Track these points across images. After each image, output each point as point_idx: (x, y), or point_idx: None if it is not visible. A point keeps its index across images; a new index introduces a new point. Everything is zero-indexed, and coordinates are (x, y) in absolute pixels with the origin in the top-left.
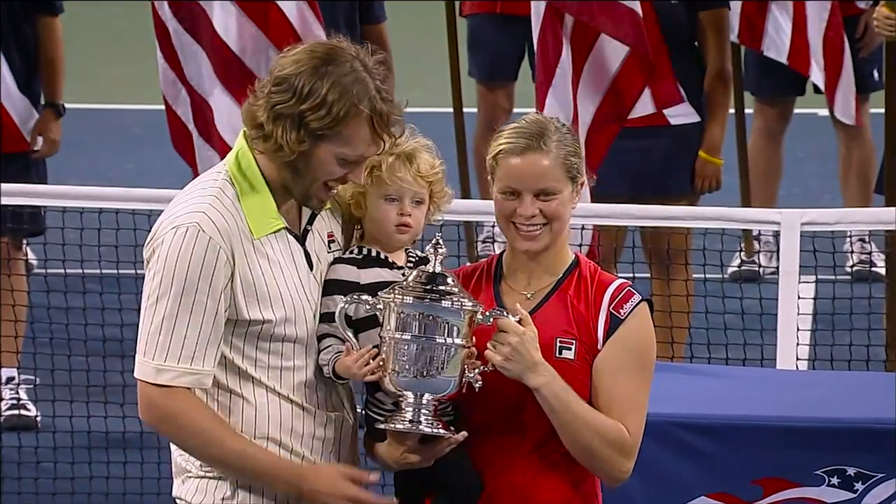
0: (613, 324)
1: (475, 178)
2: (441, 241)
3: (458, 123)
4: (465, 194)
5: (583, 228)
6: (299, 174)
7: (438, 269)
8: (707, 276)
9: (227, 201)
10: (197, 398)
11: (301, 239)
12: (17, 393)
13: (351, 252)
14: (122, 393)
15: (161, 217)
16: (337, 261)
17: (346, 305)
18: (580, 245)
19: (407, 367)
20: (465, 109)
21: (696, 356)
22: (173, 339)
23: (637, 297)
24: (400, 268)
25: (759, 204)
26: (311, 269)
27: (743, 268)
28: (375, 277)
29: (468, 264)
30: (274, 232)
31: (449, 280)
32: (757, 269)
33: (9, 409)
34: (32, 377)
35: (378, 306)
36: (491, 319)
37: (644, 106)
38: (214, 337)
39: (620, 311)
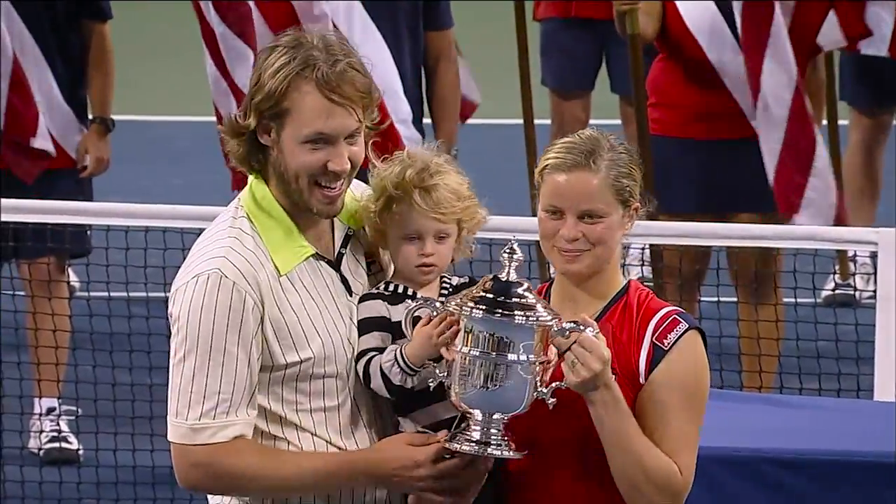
0: (657, 356)
1: None
2: (515, 247)
3: (528, 135)
4: (537, 212)
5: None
6: (283, 178)
7: (513, 277)
8: (798, 300)
9: (248, 240)
10: (241, 442)
11: (336, 264)
12: (58, 424)
13: (377, 289)
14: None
15: (180, 271)
16: (366, 297)
17: (415, 308)
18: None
19: (475, 383)
20: (536, 121)
21: (787, 386)
22: (206, 395)
23: (683, 326)
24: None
25: (854, 223)
26: (350, 295)
27: (837, 291)
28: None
29: None
30: (303, 261)
31: (522, 290)
32: (853, 292)
33: (49, 441)
34: (74, 408)
35: (446, 311)
36: (567, 334)
37: (833, 38)
38: (249, 386)
39: (664, 341)
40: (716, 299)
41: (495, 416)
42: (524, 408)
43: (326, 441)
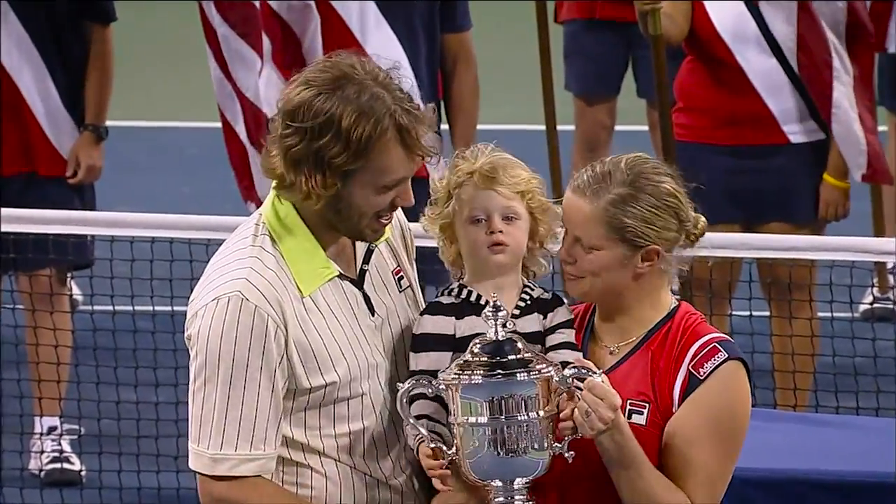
0: (692, 384)
1: None
2: (500, 303)
3: (551, 143)
4: None
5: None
6: (342, 215)
7: (501, 335)
8: (834, 314)
9: (270, 260)
10: (264, 481)
11: (358, 282)
12: (60, 444)
13: (450, 292)
14: (175, 445)
15: (197, 288)
16: (431, 308)
17: (410, 389)
18: None
19: (488, 453)
20: (559, 127)
21: (823, 405)
22: (227, 423)
23: (723, 355)
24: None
25: (893, 233)
26: (373, 315)
27: (875, 305)
28: (472, 329)
29: None
30: (326, 282)
31: (518, 345)
32: (892, 306)
33: (50, 462)
34: (77, 427)
35: (440, 388)
36: (570, 381)
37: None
38: (274, 416)
39: (700, 370)
40: (748, 313)
41: (516, 483)
42: (543, 468)
43: (351, 467)
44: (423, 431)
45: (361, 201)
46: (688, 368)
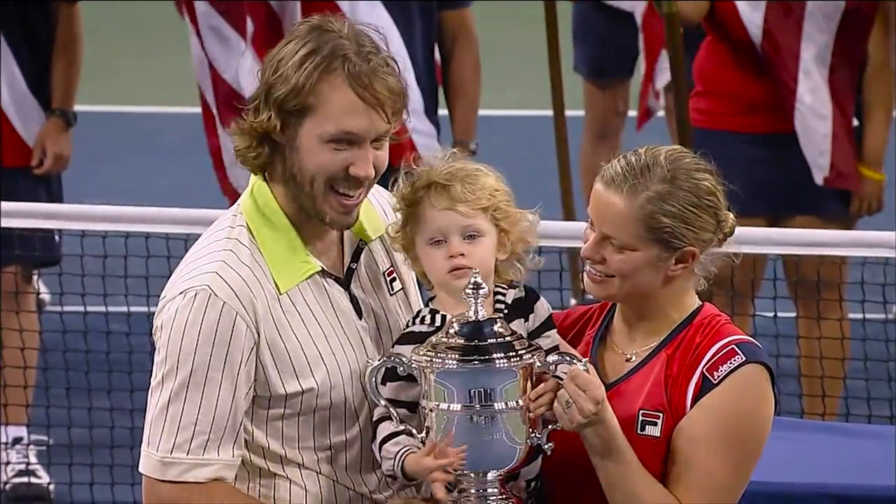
0: (704, 388)
1: (581, 195)
2: (479, 279)
3: (559, 128)
4: (569, 215)
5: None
6: (295, 181)
7: (482, 314)
8: (866, 315)
9: (245, 253)
10: (218, 485)
11: (345, 282)
12: (26, 456)
13: (422, 320)
14: None
15: (168, 282)
16: (403, 339)
17: (378, 366)
18: None
19: (459, 441)
20: (568, 112)
21: (854, 413)
22: (181, 425)
23: (740, 358)
24: None
25: None
26: (360, 318)
27: None
28: None
29: (580, 306)
30: (306, 278)
31: (496, 327)
32: None
33: (16, 475)
34: (45, 437)
35: (412, 366)
36: (552, 367)
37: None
38: (233, 421)
39: (714, 373)
40: (772, 314)
41: (490, 475)
42: (518, 460)
43: (333, 480)
44: (395, 414)
45: (308, 157)
46: (702, 371)
